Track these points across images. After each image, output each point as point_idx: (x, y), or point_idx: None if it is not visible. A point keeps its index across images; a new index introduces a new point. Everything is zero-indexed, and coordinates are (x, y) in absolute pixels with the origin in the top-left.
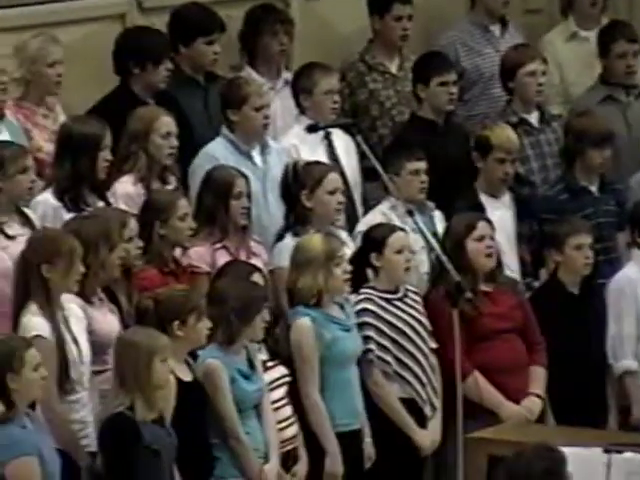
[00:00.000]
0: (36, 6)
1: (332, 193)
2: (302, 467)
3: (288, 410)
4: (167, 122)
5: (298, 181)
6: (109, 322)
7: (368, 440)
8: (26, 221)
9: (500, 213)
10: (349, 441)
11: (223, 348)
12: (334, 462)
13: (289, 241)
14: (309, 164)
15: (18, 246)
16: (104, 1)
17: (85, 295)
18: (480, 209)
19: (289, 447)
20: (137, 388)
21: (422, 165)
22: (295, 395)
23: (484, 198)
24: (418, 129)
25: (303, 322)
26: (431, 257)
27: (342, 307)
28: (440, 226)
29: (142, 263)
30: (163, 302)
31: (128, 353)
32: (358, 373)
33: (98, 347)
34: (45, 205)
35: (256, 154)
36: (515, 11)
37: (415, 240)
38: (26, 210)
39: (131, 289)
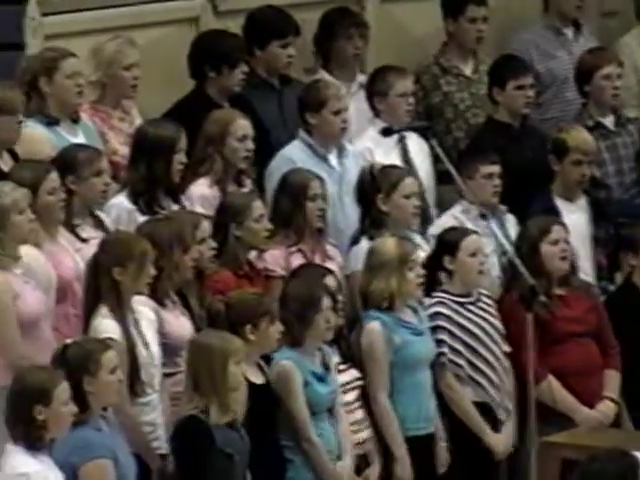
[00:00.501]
0: (112, 9)
1: (408, 197)
2: (374, 470)
3: (360, 413)
4: (243, 125)
5: (374, 185)
6: (181, 325)
7: (442, 444)
8: (99, 224)
9: (575, 217)
10: (422, 445)
11: (297, 350)
12: (403, 467)
13: (365, 245)
14: (385, 168)
15: (91, 249)
16: (179, 4)
17: (158, 297)
18: (555, 212)
19: (361, 450)
20: (212, 391)
21: (496, 169)
22: (368, 398)
23: (559, 202)
24: (494, 132)
25: (373, 326)
26: (502, 261)
27: (415, 311)
28: (512, 230)
29: (217, 266)
30: (235, 306)
31: (202, 356)
32: (431, 377)
33: (170, 349)
34: (119, 208)
35: (333, 157)
36: (590, 14)
37: (486, 243)
38: (99, 213)
39: (203, 292)
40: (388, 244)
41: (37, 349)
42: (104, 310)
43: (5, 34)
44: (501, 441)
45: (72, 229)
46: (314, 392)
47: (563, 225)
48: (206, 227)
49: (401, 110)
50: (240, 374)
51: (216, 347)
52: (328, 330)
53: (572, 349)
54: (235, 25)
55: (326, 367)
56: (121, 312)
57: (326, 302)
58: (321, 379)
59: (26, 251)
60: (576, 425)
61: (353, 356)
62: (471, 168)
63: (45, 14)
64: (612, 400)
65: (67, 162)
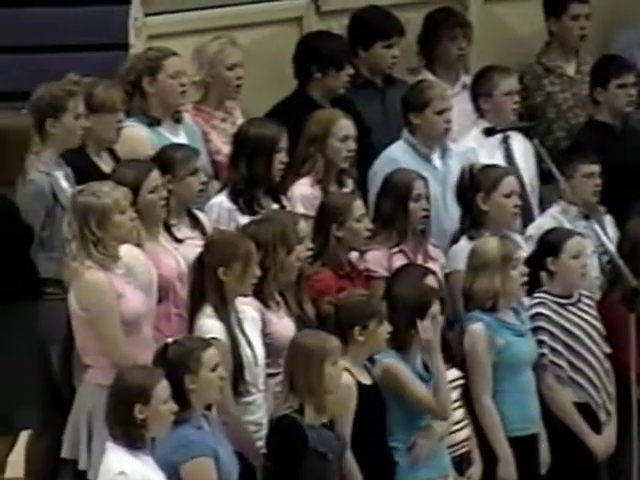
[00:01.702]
0: (214, 9)
1: (508, 196)
2: (476, 470)
3: (461, 412)
4: (346, 125)
5: (474, 184)
6: (286, 325)
7: (544, 445)
8: (196, 224)
9: None
10: (525, 446)
11: (400, 352)
12: (507, 467)
13: (464, 244)
14: (485, 167)
15: (187, 249)
16: (282, 4)
17: (263, 298)
18: None
19: (462, 450)
20: (307, 392)
21: (596, 168)
22: (469, 398)
23: None
24: (596, 132)
25: (477, 327)
26: (601, 261)
27: (517, 312)
28: (611, 230)
29: (317, 266)
30: (344, 307)
31: (299, 356)
32: (534, 378)
33: (274, 350)
34: (220, 208)
35: (436, 157)
36: None
37: (587, 245)
38: (197, 213)
39: (300, 292)
40: (491, 243)
41: (138, 349)
42: (208, 310)
43: (109, 34)
44: (602, 442)
45: (168, 229)
46: None
47: None
48: (304, 226)
49: (507, 109)
50: (338, 375)
51: (313, 347)
52: (435, 335)
53: None
54: (338, 25)
55: (426, 368)
56: (225, 312)
57: (435, 308)
58: (425, 380)
59: (127, 251)
60: None
61: (453, 355)
62: (571, 167)
63: (148, 14)
64: None
65: (164, 161)
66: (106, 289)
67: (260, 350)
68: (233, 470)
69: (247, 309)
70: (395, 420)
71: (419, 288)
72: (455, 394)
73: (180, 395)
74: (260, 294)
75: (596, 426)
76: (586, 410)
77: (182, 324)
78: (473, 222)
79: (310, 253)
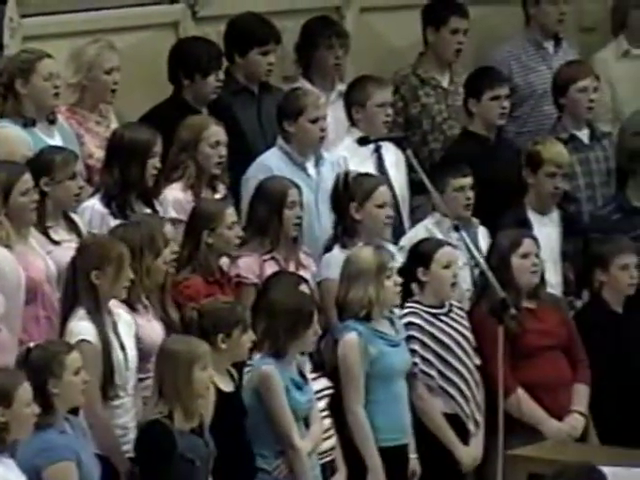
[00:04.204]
0: (91, 12)
1: (381, 206)
2: (340, 477)
3: (327, 422)
4: (216, 131)
5: (348, 193)
6: (154, 329)
7: (413, 456)
8: (73, 227)
9: (547, 230)
10: (395, 456)
11: (278, 359)
12: (376, 478)
13: (337, 253)
14: (360, 176)
15: (63, 251)
16: (158, 9)
17: (130, 302)
18: (527, 225)
19: (328, 459)
20: (176, 397)
21: (467, 181)
22: (336, 407)
23: (532, 215)
24: (469, 144)
25: (350, 337)
26: (473, 273)
27: (392, 322)
28: (484, 242)
29: (188, 271)
30: (208, 314)
31: (168, 362)
32: (407, 388)
33: (142, 354)
34: (92, 211)
35: (310, 165)
36: (569, 29)
37: (459, 256)
38: (73, 216)
39: (164, 297)
40: (365, 253)
41: None
42: (81, 312)
43: None
44: (469, 453)
45: (45, 231)
46: (294, 400)
47: (534, 239)
48: (169, 230)
49: (379, 120)
50: (206, 380)
51: (181, 352)
52: (313, 343)
53: (542, 362)
54: (214, 31)
55: (302, 375)
56: (98, 315)
57: (316, 316)
58: (299, 387)
59: None
60: (544, 439)
61: (324, 364)
62: (443, 181)
63: (24, 15)
64: (581, 414)
65: (43, 164)
66: None
67: (133, 354)
68: (94, 474)
69: (122, 312)
70: (264, 435)
71: (300, 296)
72: (323, 403)
73: (43, 399)
74: (127, 298)
75: (465, 437)
76: (455, 421)
77: (51, 327)
78: (346, 231)
79: (175, 256)
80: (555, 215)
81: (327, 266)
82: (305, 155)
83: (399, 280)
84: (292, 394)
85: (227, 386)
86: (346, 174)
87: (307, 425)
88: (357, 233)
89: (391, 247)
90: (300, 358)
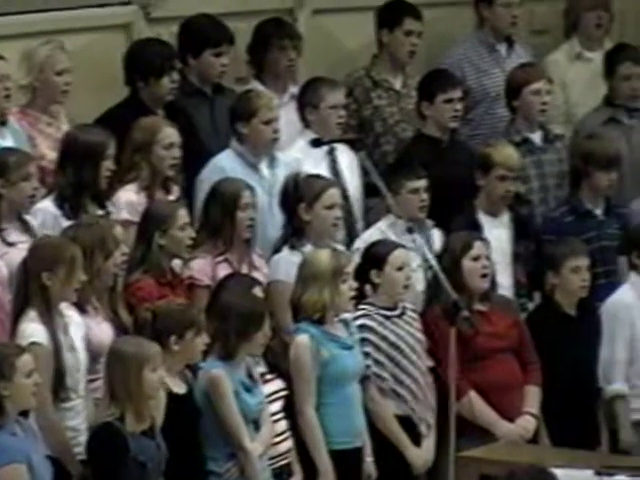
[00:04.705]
0: (42, 13)
1: (330, 208)
2: None
3: (283, 424)
4: (170, 133)
5: (297, 194)
6: (103, 331)
7: (369, 459)
8: (26, 228)
9: (498, 232)
10: (349, 459)
11: (227, 362)
12: None
13: (285, 254)
14: (309, 177)
15: (17, 253)
16: (111, 10)
17: (79, 303)
18: (477, 227)
19: (283, 462)
20: (127, 399)
21: (422, 184)
22: (291, 409)
23: (483, 217)
24: (422, 146)
25: (302, 339)
26: (427, 275)
27: (346, 324)
28: (438, 244)
29: (140, 273)
30: (161, 316)
31: (117, 363)
32: (360, 391)
33: (91, 356)
34: (45, 213)
35: (264, 167)
36: (521, 31)
37: (412, 258)
38: (27, 217)
39: (114, 298)
40: (322, 255)
41: None
42: (32, 314)
43: None
44: (421, 455)
45: None
46: (243, 402)
47: (485, 241)
48: (120, 232)
49: (331, 122)
50: (157, 381)
51: (131, 354)
52: (263, 345)
53: (493, 365)
54: (167, 32)
55: (250, 377)
56: (49, 317)
57: (267, 319)
58: (249, 389)
59: None
60: (495, 440)
61: (278, 366)
62: (397, 183)
63: None
64: (532, 415)
65: None
66: None
67: (83, 355)
68: (46, 476)
69: (73, 314)
70: (214, 437)
71: (251, 298)
72: (277, 405)
73: None
74: (77, 299)
75: (417, 439)
76: (407, 423)
77: (2, 328)
78: (295, 232)
79: (125, 259)
80: (506, 217)
81: (275, 267)
82: (258, 156)
83: (354, 285)
84: (242, 397)
85: (180, 388)
86: (296, 175)
87: (258, 427)
88: (306, 234)
89: (340, 248)
90: (250, 360)
